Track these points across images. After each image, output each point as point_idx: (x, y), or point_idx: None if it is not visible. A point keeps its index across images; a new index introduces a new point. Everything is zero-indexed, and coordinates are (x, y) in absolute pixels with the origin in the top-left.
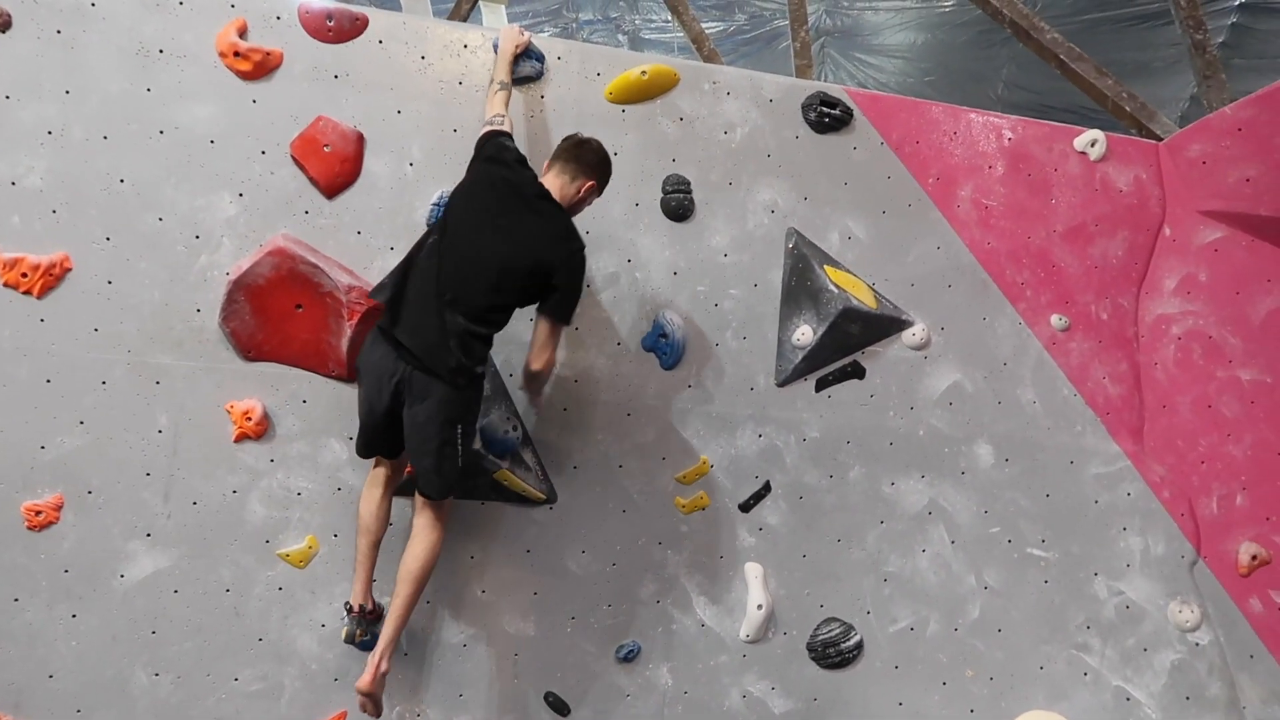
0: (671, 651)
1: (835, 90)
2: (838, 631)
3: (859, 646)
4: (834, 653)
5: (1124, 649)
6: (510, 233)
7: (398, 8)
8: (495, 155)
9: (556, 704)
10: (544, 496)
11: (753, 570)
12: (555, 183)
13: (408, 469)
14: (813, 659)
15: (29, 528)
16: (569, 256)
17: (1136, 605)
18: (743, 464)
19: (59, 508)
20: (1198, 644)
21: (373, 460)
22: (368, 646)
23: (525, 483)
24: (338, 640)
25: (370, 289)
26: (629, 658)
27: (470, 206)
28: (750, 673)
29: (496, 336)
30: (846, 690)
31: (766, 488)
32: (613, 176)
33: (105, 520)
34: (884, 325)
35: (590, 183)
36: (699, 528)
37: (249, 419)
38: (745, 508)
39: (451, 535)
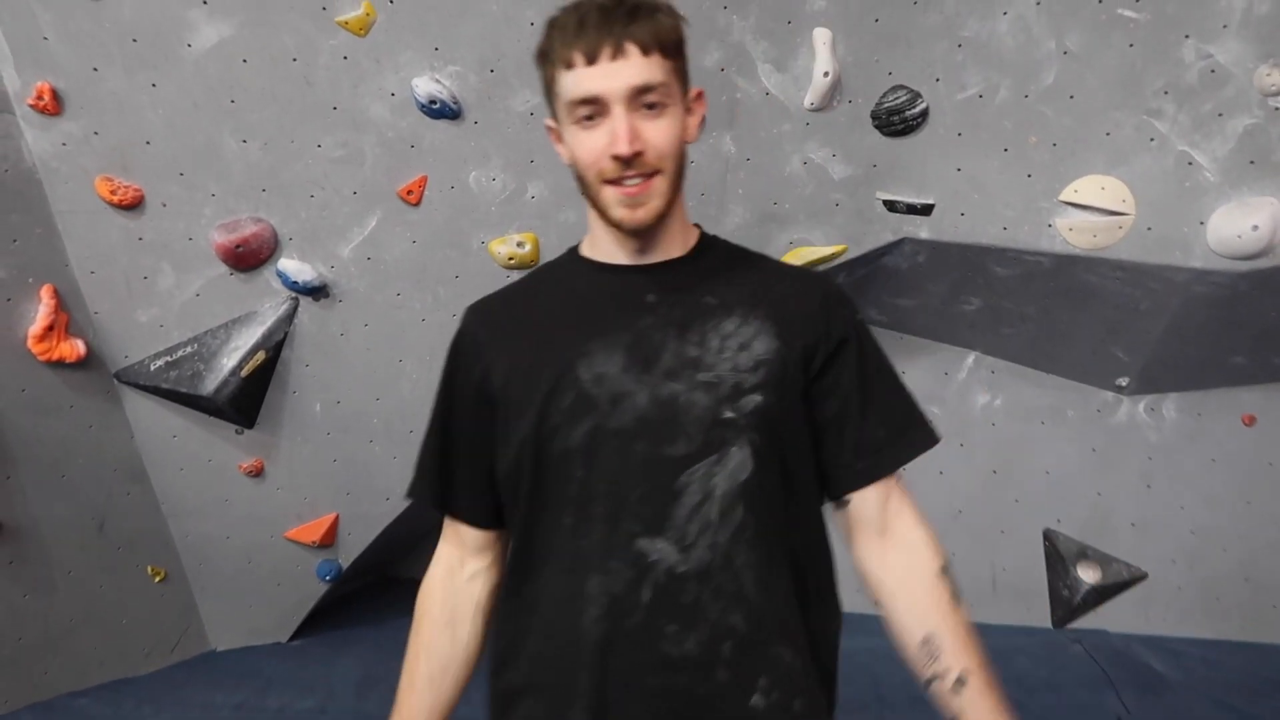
0: (735, 120)
1: None
2: (904, 99)
3: (924, 114)
4: (898, 120)
5: (1198, 114)
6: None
7: None
8: None
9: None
10: None
11: (821, 36)
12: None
13: None
14: (876, 126)
15: None
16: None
17: (1223, 69)
18: None
19: None
20: (1277, 108)
21: None
22: None
23: None
24: (410, 108)
25: None
26: None
27: None
28: (813, 140)
29: None
30: (906, 156)
31: None
32: None
33: None
34: None
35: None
36: None
37: None
38: None
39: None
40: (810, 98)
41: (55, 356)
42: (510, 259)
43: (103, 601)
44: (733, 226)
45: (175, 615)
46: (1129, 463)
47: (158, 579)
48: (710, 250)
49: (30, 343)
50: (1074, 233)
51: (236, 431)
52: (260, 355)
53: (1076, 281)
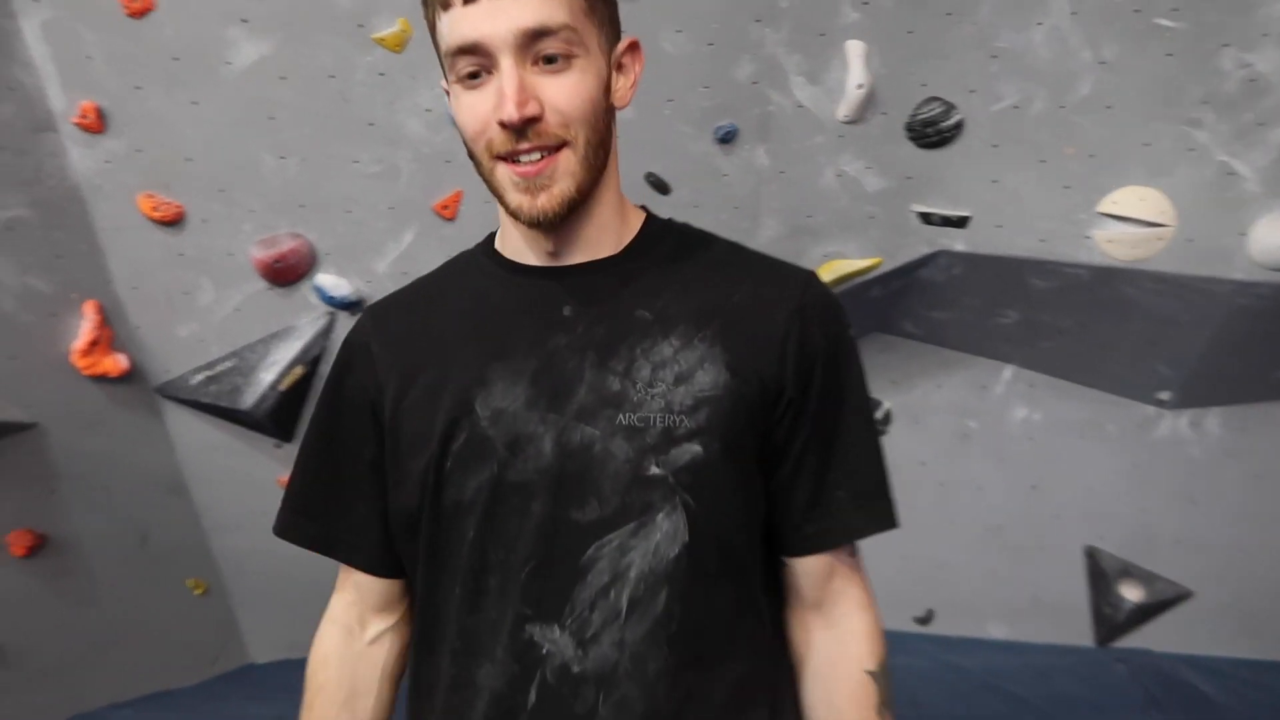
0: (768, 132)
1: None
2: (938, 111)
3: (959, 126)
4: (932, 132)
5: (1238, 124)
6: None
7: None
8: None
9: (657, 184)
10: None
11: (854, 48)
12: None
13: None
14: (910, 138)
15: (129, 15)
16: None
17: (1263, 78)
18: None
19: None
20: None
21: None
22: None
23: None
24: (445, 124)
25: None
26: (726, 139)
27: None
28: (846, 152)
29: None
30: (941, 168)
31: None
32: None
33: (200, 7)
34: None
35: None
36: (799, 2)
37: None
38: None
39: None
40: (843, 110)
41: (99, 371)
42: None
43: (144, 614)
44: (766, 240)
45: (215, 628)
46: (1171, 478)
47: (198, 592)
48: (654, 244)
49: (74, 357)
50: (1113, 244)
51: (275, 445)
52: (298, 370)
53: (1116, 294)
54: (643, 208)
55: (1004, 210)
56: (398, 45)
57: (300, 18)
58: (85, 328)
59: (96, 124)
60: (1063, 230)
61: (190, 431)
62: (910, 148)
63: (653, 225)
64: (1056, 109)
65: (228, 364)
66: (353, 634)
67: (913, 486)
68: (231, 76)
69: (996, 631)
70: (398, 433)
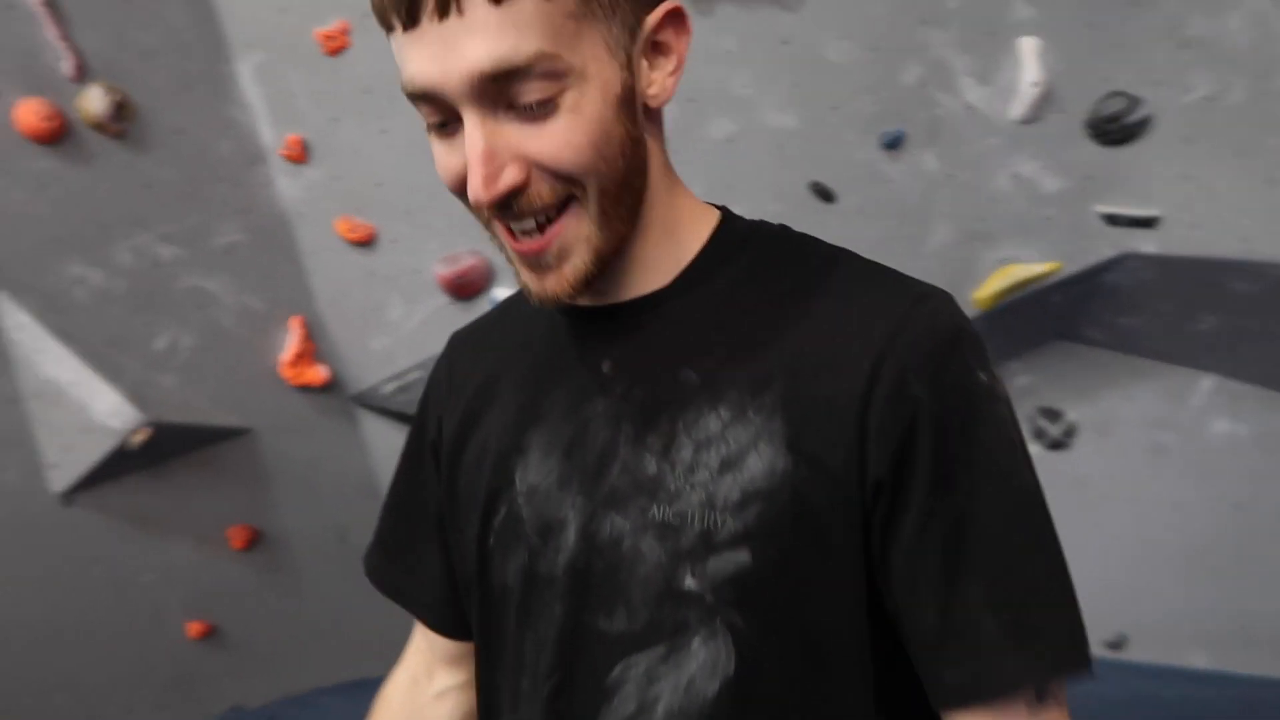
0: (937, 136)
1: None
2: (1122, 106)
3: (1145, 121)
4: (1115, 128)
5: None
6: None
7: None
8: None
9: (822, 192)
10: None
11: (1029, 45)
12: None
13: None
14: (1091, 136)
15: (327, 53)
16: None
17: None
18: None
19: (346, 32)
20: None
21: None
22: None
23: None
24: None
25: None
26: (893, 145)
27: None
28: (1021, 153)
29: None
30: (1126, 166)
31: None
32: None
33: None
34: None
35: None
36: (968, 2)
37: None
38: None
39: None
40: (1017, 109)
41: (303, 381)
42: None
43: (344, 606)
44: (936, 246)
45: (409, 620)
46: None
47: None
48: (720, 266)
49: (282, 369)
50: None
51: None
52: None
53: None
54: (721, 209)
55: (1199, 209)
56: None
57: None
58: (292, 342)
59: (300, 155)
60: (1268, 229)
61: (383, 437)
62: (1091, 146)
63: (723, 239)
64: (1258, 98)
65: (416, 374)
66: (418, 684)
67: (1102, 503)
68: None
69: (1198, 660)
70: (453, 491)
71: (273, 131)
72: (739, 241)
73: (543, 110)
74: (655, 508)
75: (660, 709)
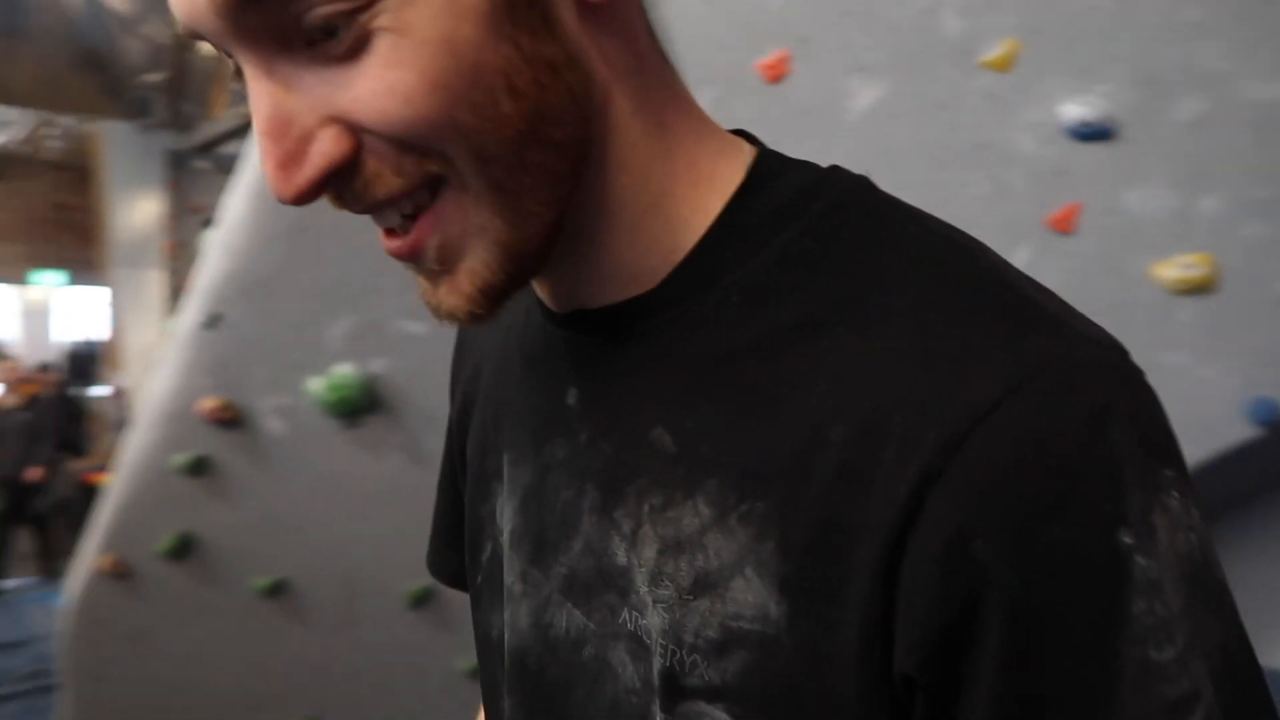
0: None
1: None
2: None
3: None
4: None
5: None
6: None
7: None
8: None
9: None
10: None
11: None
12: None
13: None
14: None
15: (768, 81)
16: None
17: None
18: None
19: (787, 60)
20: None
21: None
22: None
23: None
24: (1058, 135)
25: None
26: None
27: None
28: None
29: None
30: None
31: None
32: None
33: (827, 64)
34: None
35: None
36: None
37: None
38: None
39: None
40: None
41: None
42: (1180, 283)
43: None
44: None
45: None
46: None
47: None
48: (732, 263)
49: None
50: None
51: None
52: None
53: None
54: (757, 152)
55: None
56: (1005, 65)
57: (910, 57)
58: None
59: None
60: None
61: None
62: None
63: (745, 213)
64: None
65: None
66: None
67: None
68: (851, 121)
69: None
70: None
71: None
72: (772, 217)
73: (351, 42)
74: (626, 613)
75: None
